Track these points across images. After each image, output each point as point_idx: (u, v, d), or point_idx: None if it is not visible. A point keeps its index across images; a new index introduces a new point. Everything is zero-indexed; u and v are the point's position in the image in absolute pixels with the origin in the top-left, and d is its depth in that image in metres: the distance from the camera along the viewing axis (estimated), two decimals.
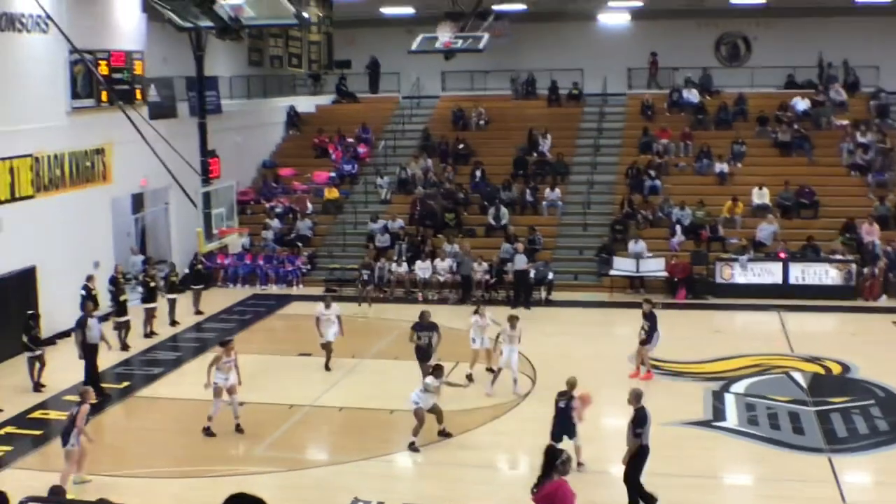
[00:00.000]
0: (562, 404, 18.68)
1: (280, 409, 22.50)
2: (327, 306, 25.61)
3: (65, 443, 18.11)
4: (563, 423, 18.54)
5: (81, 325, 23.99)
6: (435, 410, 20.43)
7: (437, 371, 20.50)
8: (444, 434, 20.55)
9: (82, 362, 23.80)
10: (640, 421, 16.62)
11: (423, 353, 23.01)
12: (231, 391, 21.13)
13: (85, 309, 24.52)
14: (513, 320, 23.65)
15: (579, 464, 17.99)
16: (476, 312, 24.95)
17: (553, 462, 13.17)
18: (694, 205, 35.67)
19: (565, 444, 16.94)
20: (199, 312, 31.66)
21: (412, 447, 20.04)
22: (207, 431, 20.83)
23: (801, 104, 41.33)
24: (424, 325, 23.24)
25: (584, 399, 18.58)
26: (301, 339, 27.12)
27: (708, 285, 33.12)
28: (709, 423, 21.42)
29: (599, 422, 21.15)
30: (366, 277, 33.30)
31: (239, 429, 21.05)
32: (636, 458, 16.71)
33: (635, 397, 17.01)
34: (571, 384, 18.90)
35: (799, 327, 29.54)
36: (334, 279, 35.16)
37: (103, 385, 24.11)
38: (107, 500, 13.41)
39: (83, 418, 18.20)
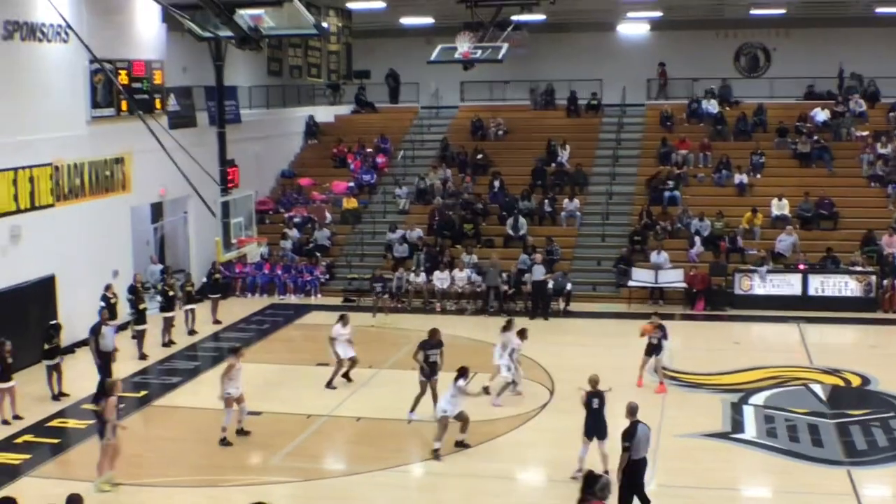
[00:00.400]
0: (595, 404, 18.71)
1: (297, 418, 22.50)
2: (345, 324, 25.04)
3: (101, 437, 18.56)
4: (598, 423, 18.64)
5: (95, 332, 24.09)
6: (461, 418, 20.42)
7: (464, 372, 20.40)
8: (461, 444, 20.52)
9: (101, 368, 23.93)
10: (627, 435, 16.48)
11: (431, 371, 22.47)
12: (239, 400, 21.28)
13: (100, 316, 24.56)
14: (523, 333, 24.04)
15: (605, 471, 17.94)
16: (507, 329, 24.37)
17: (591, 487, 13.42)
18: (713, 216, 35.55)
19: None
20: (216, 322, 31.70)
21: (435, 454, 20.05)
22: (224, 442, 20.87)
23: (821, 115, 41.19)
24: (433, 344, 22.48)
25: None
26: (319, 349, 27.09)
27: (727, 296, 33.01)
28: (727, 435, 21.30)
29: (616, 434, 21.05)
30: (379, 289, 33.24)
31: (243, 432, 21.24)
32: (629, 474, 16.56)
33: (629, 411, 16.91)
34: (595, 381, 18.96)
35: (818, 339, 29.43)
36: (352, 289, 35.16)
37: (121, 394, 24.16)
38: None
39: (112, 410, 18.51)
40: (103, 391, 19.15)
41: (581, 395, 18.96)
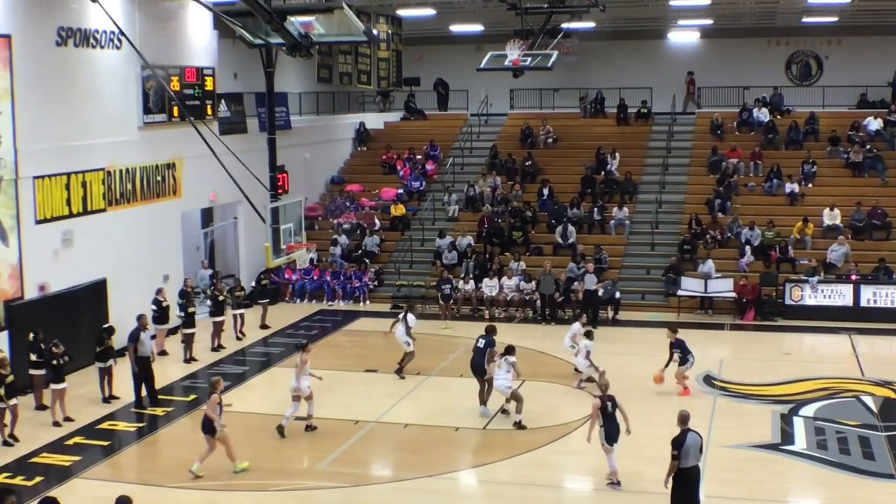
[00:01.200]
0: (610, 408, 18.82)
1: (345, 424, 22.55)
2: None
3: (213, 433, 19.37)
4: (614, 427, 18.83)
5: (135, 339, 24.29)
6: (515, 397, 22.09)
7: (512, 349, 22.28)
8: (518, 425, 22.00)
9: (138, 374, 24.15)
10: (676, 443, 16.41)
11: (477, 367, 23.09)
12: (309, 397, 22.17)
13: (139, 322, 24.78)
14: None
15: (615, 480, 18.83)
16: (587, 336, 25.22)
17: None
18: (763, 225, 35.30)
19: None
20: (264, 327, 31.84)
21: (519, 425, 21.77)
22: (280, 430, 21.83)
23: (874, 124, 40.76)
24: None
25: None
26: (367, 355, 27.22)
27: (777, 307, 32.74)
28: (777, 446, 21.13)
29: (665, 444, 20.96)
30: (448, 291, 33.24)
31: (311, 427, 22.18)
32: (678, 482, 16.49)
33: (681, 420, 16.82)
34: (605, 385, 19.22)
35: (870, 350, 29.14)
36: (401, 296, 35.19)
37: (165, 397, 24.49)
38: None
39: (214, 408, 19.33)
40: (212, 388, 19.81)
41: (595, 403, 18.94)
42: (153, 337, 25.80)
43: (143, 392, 24.34)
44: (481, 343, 23.34)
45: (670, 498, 16.57)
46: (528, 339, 29.90)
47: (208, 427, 19.45)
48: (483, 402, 23.20)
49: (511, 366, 22.27)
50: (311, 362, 22.35)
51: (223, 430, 19.46)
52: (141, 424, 22.91)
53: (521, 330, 31.52)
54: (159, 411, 23.79)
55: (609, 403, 18.80)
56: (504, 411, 23.12)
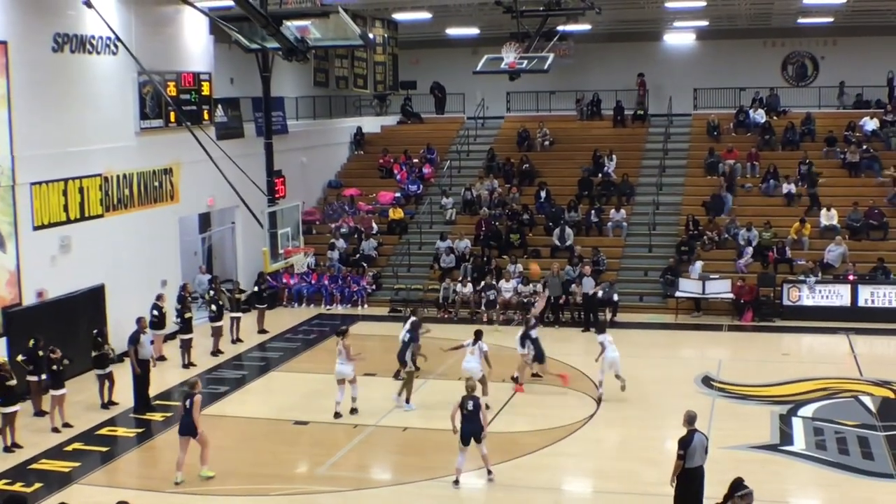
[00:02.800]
0: (470, 406, 19.34)
1: (344, 428, 22.56)
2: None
3: (193, 434, 19.42)
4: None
5: (135, 341, 24.33)
6: (482, 380, 22.93)
7: (480, 334, 23.53)
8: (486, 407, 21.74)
9: (139, 377, 24.15)
10: (683, 443, 16.40)
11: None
12: (353, 381, 23.36)
13: (138, 325, 24.81)
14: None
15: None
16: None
17: (732, 494, 14.39)
18: (761, 226, 35.30)
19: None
20: (262, 331, 31.83)
21: (486, 407, 21.29)
22: (337, 415, 23.07)
23: (870, 124, 40.80)
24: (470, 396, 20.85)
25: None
26: (366, 359, 27.12)
27: (775, 307, 32.76)
28: (776, 447, 21.14)
29: (664, 445, 20.99)
30: (493, 297, 33.33)
31: (354, 411, 23.39)
32: (684, 482, 16.49)
33: (687, 420, 16.82)
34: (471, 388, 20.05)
35: (868, 350, 29.17)
36: (399, 299, 35.20)
37: (163, 402, 24.49)
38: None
39: (198, 408, 19.48)
40: (188, 392, 19.80)
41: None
42: (152, 342, 25.81)
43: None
44: (406, 337, 24.44)
45: (674, 498, 16.57)
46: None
47: (192, 429, 19.40)
48: (401, 394, 24.18)
49: (483, 354, 23.31)
50: (347, 349, 23.32)
51: (203, 433, 19.55)
52: (140, 430, 22.88)
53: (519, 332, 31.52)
54: (158, 416, 23.77)
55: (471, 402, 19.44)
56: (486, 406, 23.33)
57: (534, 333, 25.23)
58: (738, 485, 14.60)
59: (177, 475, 19.42)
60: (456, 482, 19.27)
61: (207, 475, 19.59)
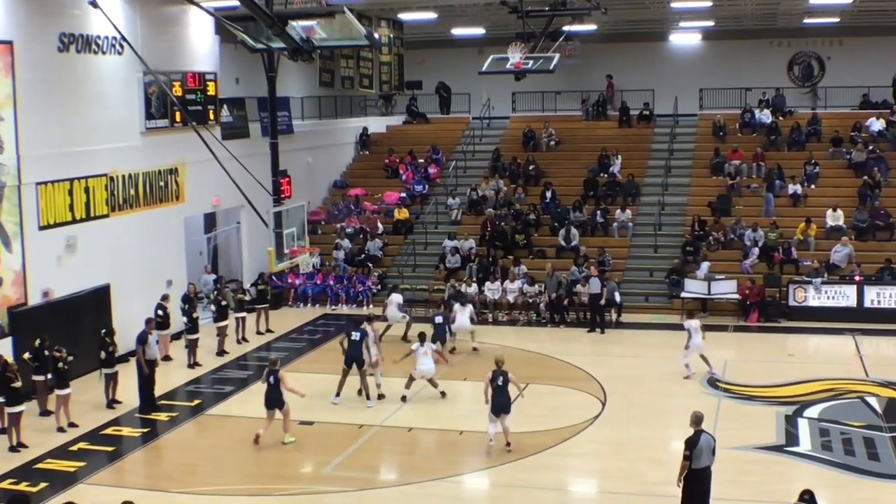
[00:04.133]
0: (500, 381, 20.73)
1: (349, 428, 22.55)
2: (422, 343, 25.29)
3: (281, 405, 21.49)
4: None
5: (143, 341, 24.38)
6: (433, 383, 24.55)
7: (424, 336, 24.93)
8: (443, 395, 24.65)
9: (146, 377, 24.18)
10: (689, 444, 16.42)
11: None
12: (375, 364, 24.81)
13: (146, 325, 24.86)
14: None
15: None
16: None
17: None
18: (766, 227, 35.26)
19: None
20: (261, 332, 31.78)
21: (443, 395, 24.47)
22: (381, 397, 24.65)
23: (876, 124, 40.73)
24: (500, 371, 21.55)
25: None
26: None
27: (780, 308, 32.70)
28: (781, 447, 21.11)
29: (669, 446, 20.97)
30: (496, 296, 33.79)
31: (381, 396, 24.71)
32: (690, 482, 16.50)
33: (694, 420, 16.82)
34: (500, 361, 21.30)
35: (874, 351, 29.11)
36: (405, 299, 35.14)
37: (168, 402, 24.54)
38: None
39: (287, 379, 21.56)
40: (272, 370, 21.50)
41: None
42: (157, 342, 25.86)
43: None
44: (356, 336, 24.63)
45: (681, 499, 16.56)
46: (531, 341, 29.97)
47: (279, 401, 21.40)
48: (368, 396, 24.60)
49: (436, 352, 24.78)
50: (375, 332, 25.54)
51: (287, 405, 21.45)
52: (145, 430, 22.89)
53: (525, 333, 31.53)
54: (164, 416, 23.78)
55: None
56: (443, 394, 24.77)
57: (439, 318, 27.44)
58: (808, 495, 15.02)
59: (286, 437, 21.53)
60: (491, 441, 20.86)
61: (289, 440, 21.48)
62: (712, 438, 16.70)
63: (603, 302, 31.65)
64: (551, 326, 32.35)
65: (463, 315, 28.88)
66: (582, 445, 21.45)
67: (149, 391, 24.34)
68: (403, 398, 24.37)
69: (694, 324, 25.92)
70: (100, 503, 18.10)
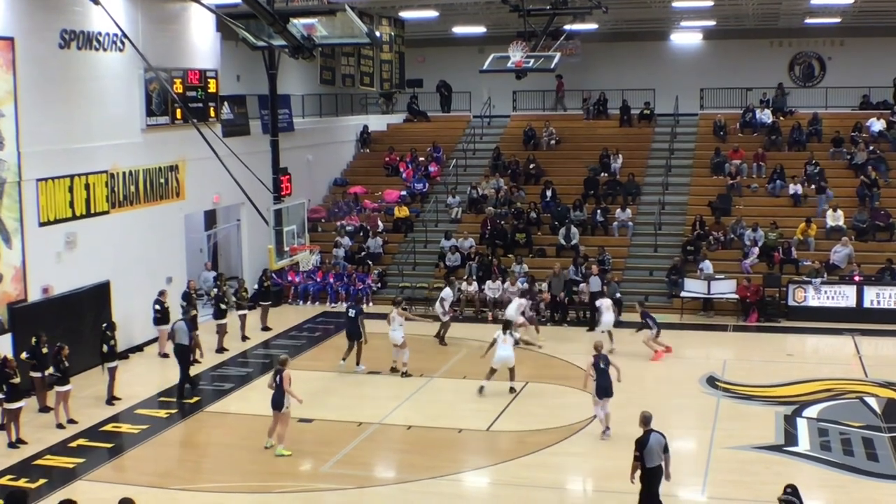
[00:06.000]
0: (602, 364, 21.64)
1: (348, 426, 22.55)
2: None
3: (279, 407, 20.71)
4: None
5: (190, 328, 25.64)
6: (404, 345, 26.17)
7: (399, 302, 27.31)
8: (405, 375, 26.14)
9: (152, 376, 24.25)
10: (640, 444, 16.59)
11: None
12: (403, 345, 26.51)
13: (185, 314, 26.30)
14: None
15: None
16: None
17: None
18: (767, 226, 35.26)
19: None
20: (266, 328, 31.84)
21: (405, 375, 26.20)
22: (403, 374, 26.41)
23: (877, 125, 40.74)
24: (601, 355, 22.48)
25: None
26: (370, 357, 27.17)
27: (780, 308, 32.71)
28: (780, 447, 21.12)
29: (668, 445, 21.01)
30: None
31: (404, 374, 26.47)
32: (645, 482, 16.65)
33: (643, 421, 17.02)
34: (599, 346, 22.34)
35: (873, 351, 29.11)
36: (404, 297, 35.14)
37: (167, 399, 24.71)
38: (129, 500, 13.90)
39: (288, 381, 20.74)
40: (279, 369, 21.12)
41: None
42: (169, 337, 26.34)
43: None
44: (352, 312, 27.04)
45: (640, 494, 16.74)
46: (532, 340, 29.94)
47: (279, 403, 20.77)
48: (358, 362, 27.03)
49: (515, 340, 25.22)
50: (399, 317, 26.64)
51: (289, 408, 20.81)
52: (145, 426, 22.89)
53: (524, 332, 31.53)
54: (163, 413, 23.80)
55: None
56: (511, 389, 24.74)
57: (352, 312, 27.43)
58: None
59: (267, 440, 21.10)
60: (606, 430, 21.52)
61: (282, 453, 20.71)
62: (662, 437, 16.85)
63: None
64: (551, 325, 32.33)
65: (505, 349, 24.95)
66: (581, 444, 21.47)
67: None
68: (481, 389, 24.67)
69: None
70: (99, 500, 18.11)
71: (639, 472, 16.64)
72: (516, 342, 25.45)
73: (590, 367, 21.57)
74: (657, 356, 27.96)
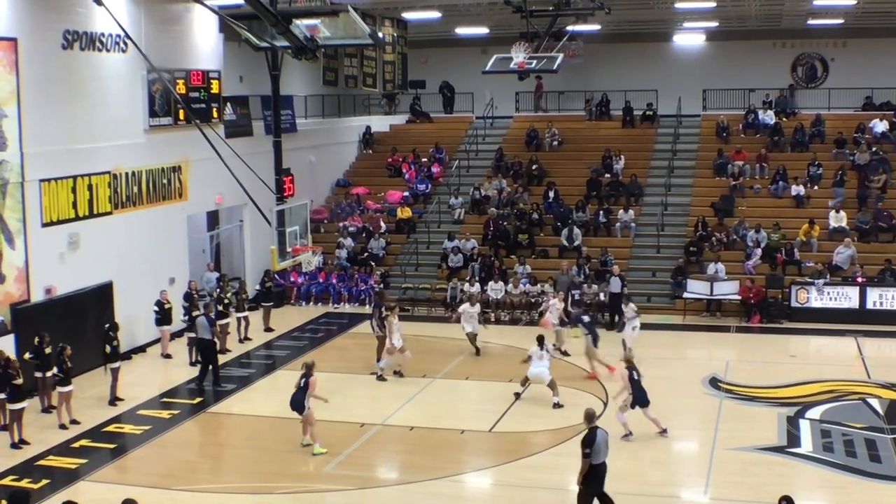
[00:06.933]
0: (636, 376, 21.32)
1: (351, 427, 22.56)
2: (472, 304, 29.00)
3: (301, 410, 21.03)
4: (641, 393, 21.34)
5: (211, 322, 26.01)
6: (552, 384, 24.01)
7: (541, 339, 24.34)
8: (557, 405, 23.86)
9: (155, 377, 24.25)
10: (587, 441, 16.64)
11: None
12: (402, 350, 26.30)
13: (206, 309, 26.71)
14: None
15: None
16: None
17: None
18: (769, 227, 35.23)
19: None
20: (268, 329, 31.85)
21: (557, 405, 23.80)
22: (379, 377, 26.23)
23: (880, 126, 40.70)
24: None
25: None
26: (373, 358, 27.18)
27: (783, 309, 32.69)
28: (783, 448, 21.10)
29: (671, 446, 21.03)
30: (577, 296, 32.51)
31: (400, 374, 26.51)
32: (591, 479, 16.69)
33: (587, 417, 17.15)
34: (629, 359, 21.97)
35: (876, 353, 29.11)
36: (407, 298, 35.18)
37: (169, 400, 24.61)
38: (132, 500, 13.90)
39: (314, 386, 21.07)
40: (307, 373, 21.32)
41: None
42: (173, 338, 26.43)
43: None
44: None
45: (578, 495, 16.79)
46: (533, 342, 29.87)
47: (300, 406, 21.07)
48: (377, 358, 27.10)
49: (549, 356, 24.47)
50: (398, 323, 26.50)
51: (310, 409, 21.08)
52: (147, 427, 22.89)
53: (528, 332, 31.46)
54: (165, 414, 23.81)
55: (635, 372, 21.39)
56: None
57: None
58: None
59: (303, 438, 21.40)
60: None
61: (319, 451, 20.94)
62: (606, 433, 17.02)
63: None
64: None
65: (539, 366, 24.32)
66: None
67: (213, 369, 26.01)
68: (517, 395, 24.66)
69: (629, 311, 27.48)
70: (101, 500, 18.11)
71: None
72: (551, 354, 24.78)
73: (626, 379, 21.28)
74: (592, 375, 26.28)
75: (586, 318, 27.41)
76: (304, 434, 21.33)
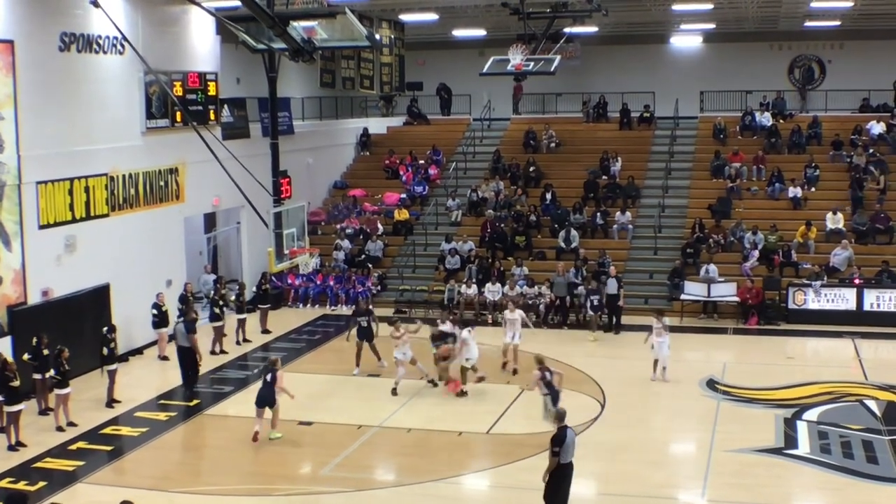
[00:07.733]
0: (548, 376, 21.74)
1: (348, 429, 22.54)
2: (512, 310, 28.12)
3: (272, 404, 21.69)
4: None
5: (189, 329, 25.77)
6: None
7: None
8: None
9: (152, 379, 24.23)
10: (557, 440, 16.66)
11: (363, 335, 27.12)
12: (413, 362, 25.24)
13: (184, 316, 26.40)
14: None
15: None
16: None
17: None
18: (766, 229, 35.24)
19: None
20: (266, 331, 31.82)
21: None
22: (394, 392, 24.95)
23: (877, 128, 40.73)
24: (361, 312, 27.08)
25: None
26: (370, 360, 27.15)
27: (780, 311, 32.69)
28: (780, 450, 21.09)
29: (668, 448, 21.03)
30: (596, 302, 32.09)
31: (433, 382, 25.67)
32: (558, 479, 16.75)
33: (558, 417, 17.17)
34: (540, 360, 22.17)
35: (873, 354, 29.12)
36: (404, 300, 35.17)
37: (166, 402, 24.57)
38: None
39: (282, 379, 21.75)
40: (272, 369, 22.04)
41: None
42: (170, 340, 26.56)
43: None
44: (364, 322, 26.90)
45: (544, 494, 16.87)
46: (533, 343, 29.88)
47: (270, 400, 21.65)
48: (377, 357, 27.08)
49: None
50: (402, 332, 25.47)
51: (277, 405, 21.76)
52: (144, 429, 22.88)
53: (527, 334, 31.46)
54: (162, 416, 23.79)
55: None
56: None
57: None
58: None
59: (271, 432, 21.80)
60: None
61: (275, 436, 21.67)
62: (574, 433, 17.10)
63: (621, 303, 31.76)
64: (548, 328, 32.28)
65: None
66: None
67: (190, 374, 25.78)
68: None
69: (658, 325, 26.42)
70: (99, 502, 18.09)
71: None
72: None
73: (538, 381, 21.92)
74: (452, 385, 25.33)
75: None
76: (272, 428, 21.79)
